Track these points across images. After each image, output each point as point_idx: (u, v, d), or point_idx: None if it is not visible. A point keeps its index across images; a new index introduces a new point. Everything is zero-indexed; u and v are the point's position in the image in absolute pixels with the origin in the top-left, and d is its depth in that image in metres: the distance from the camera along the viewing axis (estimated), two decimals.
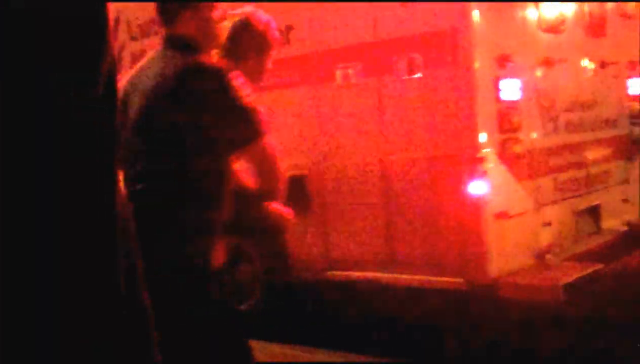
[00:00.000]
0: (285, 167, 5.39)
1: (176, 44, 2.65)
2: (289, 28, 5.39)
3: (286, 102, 5.51)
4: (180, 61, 2.58)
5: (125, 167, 1.47)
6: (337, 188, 5.27)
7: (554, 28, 5.25)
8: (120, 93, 2.27)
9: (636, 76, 6.01)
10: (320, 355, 5.11)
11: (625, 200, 5.71)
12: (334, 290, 5.68)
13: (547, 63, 5.16)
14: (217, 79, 2.57)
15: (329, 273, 5.34)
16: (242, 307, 5.79)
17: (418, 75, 4.79)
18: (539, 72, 5.12)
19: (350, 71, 5.10)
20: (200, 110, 2.54)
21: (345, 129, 5.21)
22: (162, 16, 2.70)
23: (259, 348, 5.26)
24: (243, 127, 2.58)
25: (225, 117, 2.57)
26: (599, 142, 5.78)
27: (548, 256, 5.03)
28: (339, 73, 5.15)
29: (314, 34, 5.29)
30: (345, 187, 5.23)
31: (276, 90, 5.53)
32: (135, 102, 2.59)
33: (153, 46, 2.78)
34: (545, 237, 5.07)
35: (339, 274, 5.30)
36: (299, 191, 5.45)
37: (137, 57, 6.31)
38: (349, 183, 5.21)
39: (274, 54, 3.06)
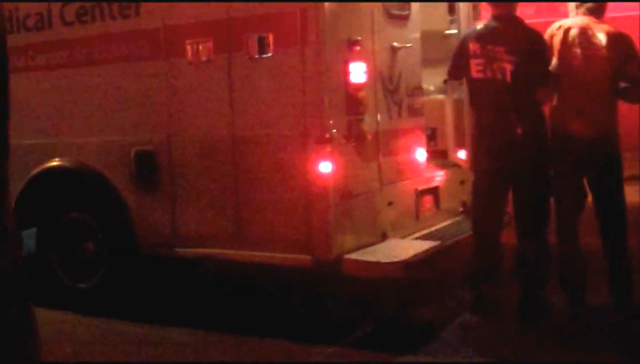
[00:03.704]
0: (133, 142, 5.34)
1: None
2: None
3: (135, 76, 5.39)
4: None
5: None
6: (186, 164, 5.23)
7: (399, 17, 5.45)
8: None
9: None
10: (172, 333, 5.09)
11: (462, 182, 6.04)
12: (182, 266, 5.66)
13: (392, 50, 5.35)
14: None
15: (176, 249, 5.30)
16: (84, 285, 5.66)
17: (268, 54, 4.83)
18: (385, 58, 5.29)
19: (200, 47, 5.06)
20: None
21: (196, 105, 5.16)
22: None
23: (107, 327, 5.19)
24: None
25: None
26: None
27: (390, 234, 5.25)
28: (189, 49, 5.10)
29: (165, 7, 5.19)
30: (194, 163, 5.20)
31: (124, 63, 5.41)
32: None
33: None
34: (388, 216, 5.29)
35: (186, 250, 5.28)
36: (147, 167, 5.37)
37: None
38: (198, 159, 5.18)
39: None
